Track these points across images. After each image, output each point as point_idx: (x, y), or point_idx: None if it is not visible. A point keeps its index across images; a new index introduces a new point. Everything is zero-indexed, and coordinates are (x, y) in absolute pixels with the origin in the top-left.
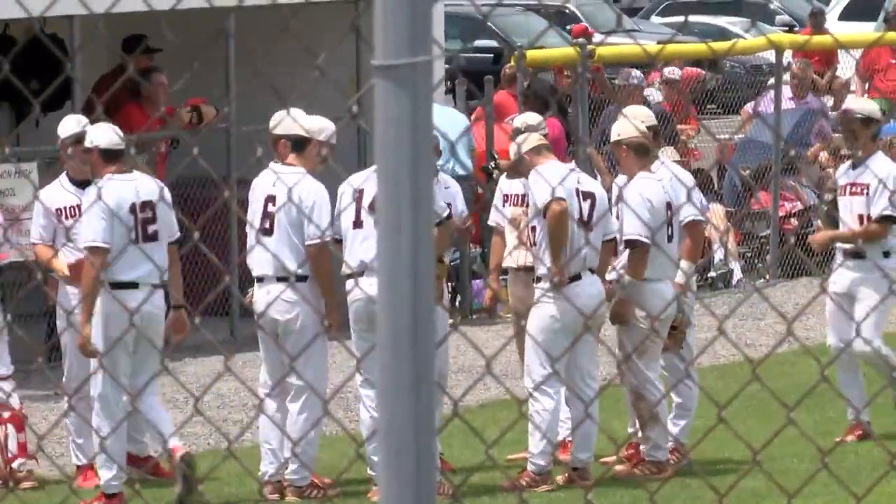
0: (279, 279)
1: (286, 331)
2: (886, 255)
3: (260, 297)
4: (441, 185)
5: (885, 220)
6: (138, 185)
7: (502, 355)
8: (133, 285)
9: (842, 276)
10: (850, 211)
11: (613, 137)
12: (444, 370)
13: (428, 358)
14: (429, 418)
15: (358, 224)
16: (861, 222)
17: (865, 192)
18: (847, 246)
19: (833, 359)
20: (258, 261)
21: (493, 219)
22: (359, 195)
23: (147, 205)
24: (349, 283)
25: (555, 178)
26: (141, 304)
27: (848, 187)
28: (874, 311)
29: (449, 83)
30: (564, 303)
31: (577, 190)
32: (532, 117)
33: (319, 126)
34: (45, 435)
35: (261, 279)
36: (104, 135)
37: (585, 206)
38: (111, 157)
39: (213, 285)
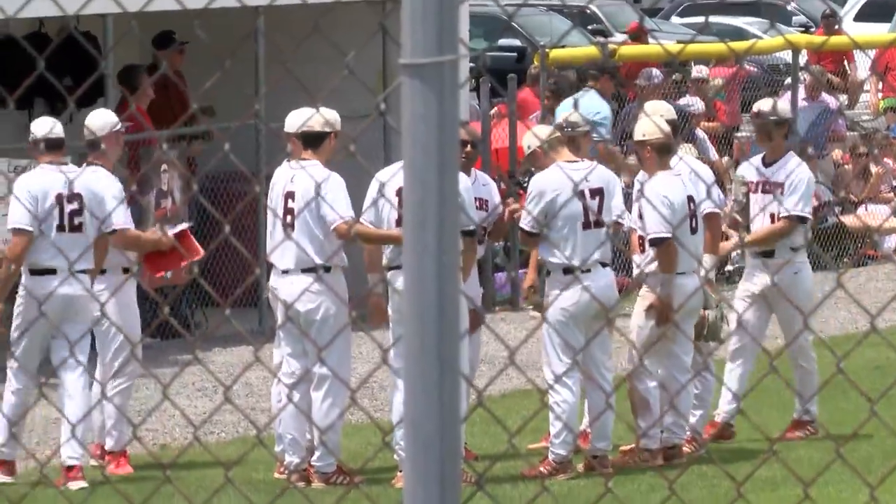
0: (303, 271)
1: (307, 321)
2: (794, 250)
3: (283, 287)
4: (479, 181)
5: (793, 219)
6: (70, 177)
7: (523, 346)
8: (51, 271)
9: (759, 277)
10: (763, 208)
11: (638, 137)
12: (475, 361)
13: (454, 350)
14: (454, 410)
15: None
16: (773, 221)
17: (781, 191)
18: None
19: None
20: (282, 254)
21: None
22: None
23: (75, 197)
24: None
25: (542, 194)
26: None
27: (760, 185)
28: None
29: (473, 81)
30: (576, 295)
31: (584, 191)
32: (574, 115)
33: (334, 118)
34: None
35: (286, 272)
36: (43, 127)
37: (594, 203)
38: (49, 147)
39: (242, 277)
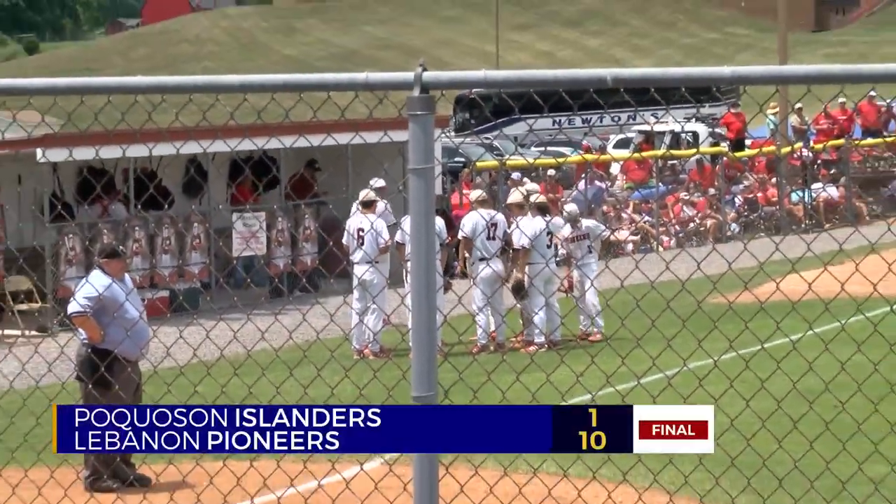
0: (367, 262)
1: (369, 284)
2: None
3: (358, 270)
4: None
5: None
6: None
7: (467, 294)
8: None
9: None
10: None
11: (513, 200)
12: (441, 304)
13: (433, 296)
14: (433, 323)
15: None
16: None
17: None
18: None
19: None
20: (356, 256)
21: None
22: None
23: None
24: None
25: (472, 223)
26: None
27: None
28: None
29: (443, 176)
30: (487, 270)
31: (488, 223)
32: (479, 192)
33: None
34: (267, 329)
35: (358, 263)
36: None
37: (491, 229)
38: None
39: (338, 265)
